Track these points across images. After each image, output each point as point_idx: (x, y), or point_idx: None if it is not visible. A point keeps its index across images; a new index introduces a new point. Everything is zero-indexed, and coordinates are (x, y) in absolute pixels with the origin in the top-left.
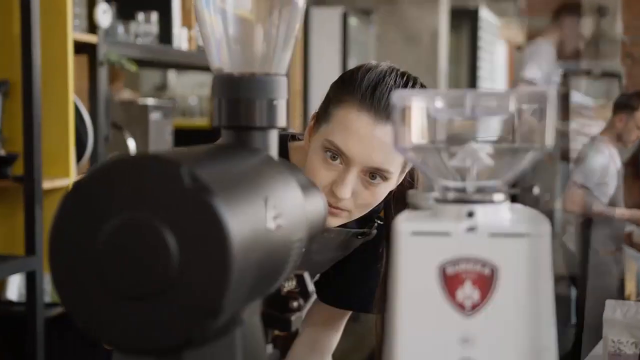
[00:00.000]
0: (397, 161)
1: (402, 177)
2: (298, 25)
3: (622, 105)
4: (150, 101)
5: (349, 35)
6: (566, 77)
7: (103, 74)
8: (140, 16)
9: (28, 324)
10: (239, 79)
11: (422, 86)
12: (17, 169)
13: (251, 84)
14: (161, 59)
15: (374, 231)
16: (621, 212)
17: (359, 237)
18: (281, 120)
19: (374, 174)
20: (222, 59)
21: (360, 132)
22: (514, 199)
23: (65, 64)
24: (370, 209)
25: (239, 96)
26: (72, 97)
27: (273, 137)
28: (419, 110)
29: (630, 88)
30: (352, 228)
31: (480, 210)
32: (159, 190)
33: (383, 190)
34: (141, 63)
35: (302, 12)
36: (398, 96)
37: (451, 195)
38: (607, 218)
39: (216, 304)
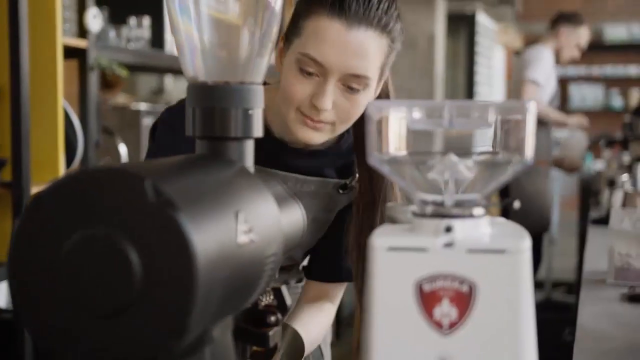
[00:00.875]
0: (374, 66)
1: (380, 87)
2: (275, 31)
3: (566, 20)
4: (143, 106)
5: None
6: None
7: (93, 78)
8: (132, 20)
9: (16, 330)
10: (213, 88)
11: None
12: (6, 174)
13: (226, 93)
14: (153, 64)
15: (355, 185)
16: (557, 115)
17: (341, 191)
18: (257, 130)
19: (352, 85)
20: (196, 68)
21: (334, 39)
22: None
23: (55, 69)
24: (354, 119)
25: (214, 105)
26: (61, 102)
27: (249, 148)
28: (395, 121)
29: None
30: (333, 179)
31: (458, 225)
32: (123, 205)
33: (363, 99)
34: (133, 68)
35: (279, 17)
36: (374, 107)
37: (429, 209)
38: (543, 123)
39: (181, 323)
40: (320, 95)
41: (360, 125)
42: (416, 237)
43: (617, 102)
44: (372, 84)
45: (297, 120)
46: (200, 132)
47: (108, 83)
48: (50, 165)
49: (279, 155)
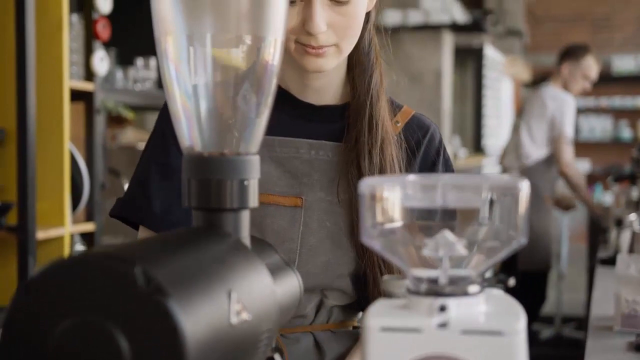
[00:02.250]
0: None
1: None
2: (270, 101)
3: (568, 54)
4: None
5: None
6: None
7: (100, 121)
8: (139, 62)
9: None
10: (209, 160)
11: None
12: (11, 218)
13: (222, 165)
14: (160, 104)
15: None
16: (584, 191)
17: None
18: (253, 201)
19: None
20: (192, 138)
21: None
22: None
23: (61, 112)
24: (357, 35)
25: (209, 177)
26: (67, 145)
27: (244, 218)
28: (388, 199)
29: (532, 47)
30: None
31: (453, 304)
32: (112, 292)
33: (357, 7)
34: (141, 107)
35: (274, 88)
36: (366, 184)
37: (423, 286)
38: (551, 161)
39: None
40: (309, 20)
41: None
42: (410, 317)
43: (626, 133)
44: None
45: (299, 52)
46: (196, 203)
47: (117, 119)
48: (55, 209)
49: (295, 116)
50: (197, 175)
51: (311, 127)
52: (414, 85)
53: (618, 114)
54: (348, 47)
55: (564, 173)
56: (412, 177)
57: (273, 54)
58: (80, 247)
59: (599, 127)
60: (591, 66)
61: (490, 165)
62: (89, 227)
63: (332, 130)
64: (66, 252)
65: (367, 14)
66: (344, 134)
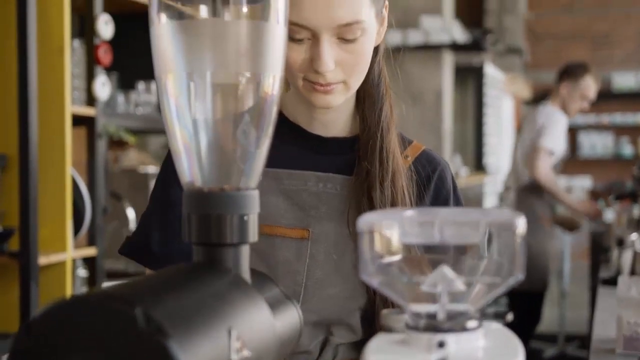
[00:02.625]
0: (364, 6)
1: (384, 22)
2: (269, 134)
3: (567, 74)
4: (152, 169)
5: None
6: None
7: (101, 146)
8: (141, 85)
9: None
10: (209, 195)
11: None
12: (13, 244)
13: (222, 200)
14: (161, 128)
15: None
16: (566, 198)
17: None
18: (253, 235)
19: (347, 36)
20: (192, 173)
21: None
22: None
23: (63, 138)
24: (365, 71)
25: (209, 212)
26: (69, 170)
27: (244, 253)
28: (386, 235)
29: (532, 64)
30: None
31: (451, 340)
32: (113, 332)
33: (365, 44)
34: (142, 130)
35: (274, 122)
36: (364, 221)
37: (422, 322)
38: (557, 199)
39: None
40: (317, 58)
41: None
42: (409, 354)
43: (627, 149)
44: (368, 25)
45: (307, 89)
46: (196, 238)
47: (119, 141)
48: (57, 235)
49: (304, 148)
50: (197, 210)
51: (319, 159)
52: (414, 104)
53: (619, 130)
54: (356, 83)
55: (537, 181)
56: (409, 213)
57: (272, 89)
58: (82, 271)
59: (600, 144)
60: (589, 86)
61: (491, 184)
62: (90, 251)
63: (340, 162)
64: (68, 277)
65: (376, 47)
66: (353, 167)
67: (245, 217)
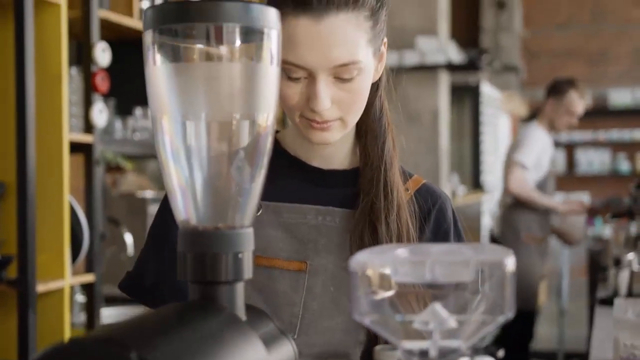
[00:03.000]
0: (359, 47)
1: (383, 59)
2: (262, 176)
3: (551, 90)
4: (149, 194)
5: None
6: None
7: (99, 172)
8: (138, 111)
9: None
10: (204, 234)
11: None
12: (11, 271)
13: (216, 239)
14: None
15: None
16: (545, 200)
17: None
18: (247, 273)
19: (343, 75)
20: (187, 212)
21: (305, 37)
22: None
23: (61, 165)
24: (362, 108)
25: (204, 251)
26: (67, 198)
27: (239, 290)
28: (378, 274)
29: (528, 82)
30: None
31: None
32: None
33: (362, 83)
34: (140, 156)
35: (268, 160)
36: (356, 260)
37: (415, 359)
38: (537, 205)
39: None
40: (313, 97)
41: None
42: None
43: (624, 166)
44: (365, 65)
45: (304, 126)
46: (192, 276)
47: (117, 166)
48: (55, 262)
49: (304, 181)
50: (192, 249)
51: (319, 192)
52: (411, 124)
53: (616, 147)
54: (353, 120)
55: (512, 195)
56: (401, 252)
57: (266, 127)
58: (80, 297)
59: (597, 161)
60: (574, 101)
61: (488, 202)
62: (89, 278)
63: (340, 195)
64: (66, 304)
65: (377, 82)
66: (354, 200)
67: (240, 255)
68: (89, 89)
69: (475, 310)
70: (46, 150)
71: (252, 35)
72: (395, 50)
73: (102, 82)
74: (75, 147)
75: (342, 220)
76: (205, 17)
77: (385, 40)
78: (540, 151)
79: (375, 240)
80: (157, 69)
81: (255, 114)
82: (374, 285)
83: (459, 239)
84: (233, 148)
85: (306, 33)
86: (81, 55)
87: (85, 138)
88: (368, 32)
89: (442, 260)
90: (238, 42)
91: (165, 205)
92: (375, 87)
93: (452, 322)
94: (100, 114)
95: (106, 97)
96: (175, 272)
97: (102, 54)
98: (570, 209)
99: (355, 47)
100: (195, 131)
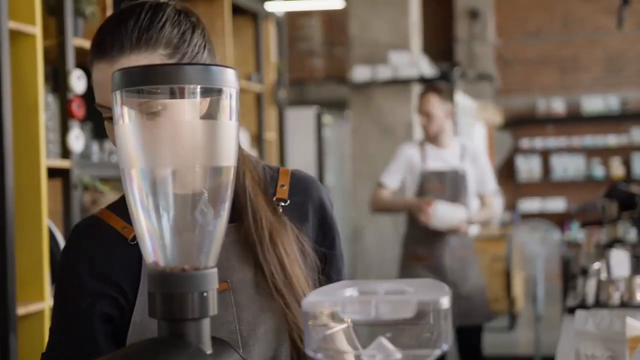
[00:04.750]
0: None
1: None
2: (224, 220)
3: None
4: None
5: (323, 132)
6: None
7: (76, 197)
8: None
9: None
10: (171, 275)
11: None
12: None
13: (183, 280)
14: None
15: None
16: (396, 201)
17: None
18: (212, 309)
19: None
20: (156, 255)
21: (104, 79)
22: None
23: (39, 190)
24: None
25: (172, 291)
26: (45, 222)
27: (205, 326)
28: (327, 314)
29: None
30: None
31: None
32: None
33: (177, 119)
34: (117, 178)
35: (229, 204)
36: (308, 302)
37: None
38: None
39: None
40: None
41: None
42: None
43: (598, 171)
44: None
45: None
46: (160, 314)
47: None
48: (35, 286)
49: None
50: (160, 289)
51: None
52: (385, 137)
53: (590, 152)
54: None
55: (378, 211)
56: (349, 293)
57: (227, 175)
58: None
59: (572, 166)
60: (419, 101)
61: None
62: None
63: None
64: (46, 326)
65: None
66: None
67: (205, 294)
68: (66, 115)
69: (417, 343)
70: (24, 176)
71: (211, 94)
72: (369, 65)
73: (78, 109)
74: (53, 172)
75: (233, 234)
76: (169, 80)
77: None
78: (398, 166)
79: (261, 268)
80: (125, 126)
81: (216, 164)
82: (325, 322)
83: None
84: (197, 195)
85: (102, 76)
86: (57, 81)
87: (63, 163)
88: None
89: (386, 300)
90: (199, 101)
91: (71, 264)
92: None
93: (397, 354)
94: (77, 139)
95: (82, 121)
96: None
97: (78, 81)
98: (416, 204)
99: None
100: (161, 181)
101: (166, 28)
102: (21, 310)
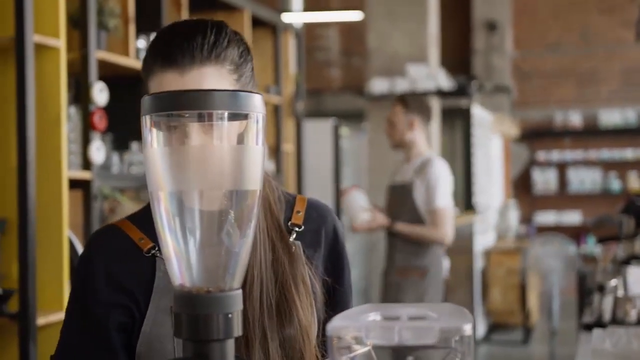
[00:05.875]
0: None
1: None
2: (249, 242)
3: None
4: None
5: (340, 144)
6: None
7: (97, 208)
8: (135, 146)
9: None
10: (197, 297)
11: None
12: (12, 305)
13: (208, 301)
14: None
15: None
16: (402, 226)
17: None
18: (237, 330)
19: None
20: (182, 276)
21: (171, 88)
22: None
23: (60, 202)
24: None
25: (197, 312)
26: (66, 233)
27: (230, 347)
28: (352, 338)
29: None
30: None
31: None
32: None
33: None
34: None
35: (255, 225)
36: (332, 327)
37: None
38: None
39: None
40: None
41: None
42: None
43: (615, 185)
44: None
45: None
46: (186, 335)
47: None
48: (55, 295)
49: None
50: (186, 310)
51: None
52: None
53: (607, 166)
54: None
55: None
56: (372, 317)
57: (253, 198)
58: None
59: (589, 180)
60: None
61: (480, 223)
62: None
63: None
64: None
65: None
66: None
67: (230, 315)
68: (87, 127)
69: None
70: (46, 187)
71: (239, 119)
72: (387, 78)
73: (99, 121)
74: (74, 184)
75: None
76: (197, 105)
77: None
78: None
79: None
80: (154, 151)
81: (242, 188)
82: (350, 348)
83: (342, 257)
84: (223, 217)
85: (173, 86)
86: (79, 93)
87: (84, 175)
88: (233, 84)
89: (409, 326)
90: (226, 126)
91: (88, 271)
92: None
93: None
94: (98, 151)
95: (103, 133)
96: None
97: (100, 94)
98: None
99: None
100: (188, 204)
101: (231, 46)
102: (41, 320)
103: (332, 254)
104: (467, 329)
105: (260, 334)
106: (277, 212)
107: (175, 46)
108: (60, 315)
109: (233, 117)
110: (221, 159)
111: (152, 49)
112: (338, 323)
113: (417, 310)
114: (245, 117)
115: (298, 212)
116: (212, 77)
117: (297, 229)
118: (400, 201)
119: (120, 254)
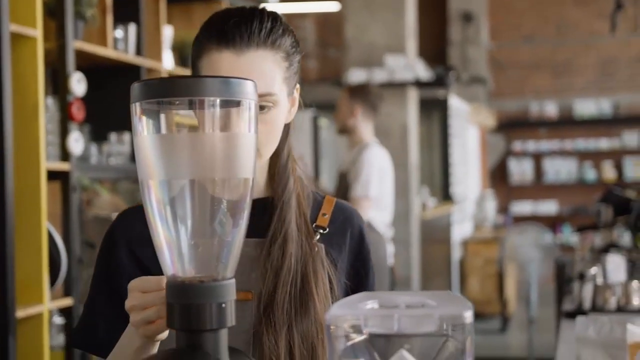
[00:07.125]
0: (275, 82)
1: (295, 101)
2: (242, 231)
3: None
4: None
5: (320, 136)
6: None
7: (75, 199)
8: (113, 137)
9: None
10: (189, 286)
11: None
12: None
13: (201, 291)
14: (133, 176)
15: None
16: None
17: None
18: (230, 320)
19: (260, 104)
20: (174, 267)
21: (227, 68)
22: None
23: (39, 193)
24: (277, 141)
25: (190, 302)
26: (45, 224)
27: (223, 337)
28: (350, 326)
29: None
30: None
31: None
32: None
33: (276, 116)
34: (115, 179)
35: (247, 214)
36: (331, 315)
37: None
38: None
39: None
40: None
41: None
42: None
43: (590, 174)
44: (280, 99)
45: None
46: (179, 325)
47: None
48: (34, 287)
49: None
50: (179, 300)
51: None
52: (381, 140)
53: (582, 156)
54: (268, 152)
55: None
56: (370, 306)
57: (245, 186)
58: (58, 320)
59: (564, 170)
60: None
61: (458, 213)
62: (67, 302)
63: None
64: (45, 328)
65: (287, 125)
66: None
67: (223, 305)
68: (65, 118)
69: (438, 356)
70: (24, 179)
71: (230, 106)
72: (365, 68)
73: (77, 112)
74: (52, 175)
75: (255, 249)
76: (188, 92)
77: (299, 87)
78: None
79: (265, 269)
80: (144, 138)
81: (234, 175)
82: (347, 336)
83: (367, 262)
84: (215, 206)
85: (228, 65)
86: (57, 84)
87: (62, 166)
88: (284, 71)
89: (408, 314)
90: (218, 113)
91: (109, 250)
92: (286, 131)
93: None
94: (76, 142)
95: (81, 124)
96: (126, 323)
97: (78, 85)
98: None
99: (272, 80)
100: (179, 192)
101: (285, 35)
102: (20, 313)
103: (357, 258)
104: (467, 316)
105: (287, 320)
106: (305, 208)
107: (233, 26)
108: (39, 308)
109: (224, 104)
110: (212, 147)
111: (206, 28)
112: (336, 311)
113: (414, 298)
114: (237, 104)
115: (324, 214)
116: (267, 60)
117: (321, 231)
118: (340, 188)
119: (141, 238)
